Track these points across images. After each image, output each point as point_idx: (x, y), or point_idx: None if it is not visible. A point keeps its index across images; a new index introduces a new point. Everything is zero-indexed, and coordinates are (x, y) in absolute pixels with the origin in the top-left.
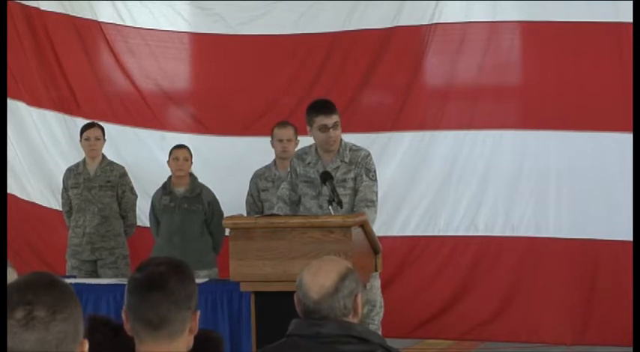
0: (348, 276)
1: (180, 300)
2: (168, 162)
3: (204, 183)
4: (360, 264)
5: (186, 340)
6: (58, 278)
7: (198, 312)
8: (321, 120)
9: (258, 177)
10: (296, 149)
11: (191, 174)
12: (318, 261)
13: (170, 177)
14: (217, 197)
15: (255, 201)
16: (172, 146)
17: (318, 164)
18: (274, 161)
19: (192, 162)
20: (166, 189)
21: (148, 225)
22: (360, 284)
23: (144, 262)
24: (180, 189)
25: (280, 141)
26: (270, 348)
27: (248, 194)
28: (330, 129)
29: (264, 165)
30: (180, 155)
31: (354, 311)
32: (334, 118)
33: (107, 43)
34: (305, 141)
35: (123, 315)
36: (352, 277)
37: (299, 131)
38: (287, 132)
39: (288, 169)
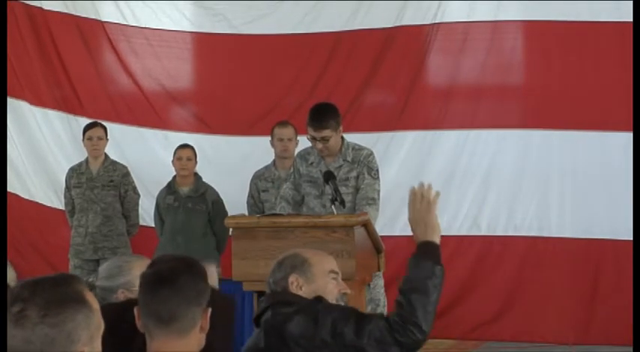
0: (282, 262)
1: (190, 296)
2: (172, 161)
3: (207, 182)
4: (362, 263)
5: (197, 338)
6: (70, 280)
7: (210, 310)
8: (311, 131)
9: (257, 177)
10: (296, 148)
11: (196, 174)
12: None
13: (175, 177)
14: (221, 196)
15: (256, 202)
16: (176, 145)
17: (321, 164)
18: (274, 161)
19: (196, 162)
20: (171, 188)
21: (151, 225)
22: (296, 269)
23: (156, 259)
24: (184, 189)
25: (280, 140)
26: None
27: (248, 195)
28: (317, 142)
29: (266, 165)
30: (183, 155)
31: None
32: (323, 133)
33: (110, 42)
34: (306, 140)
35: (135, 311)
36: (287, 262)
37: (301, 130)
38: (287, 132)
39: (291, 170)
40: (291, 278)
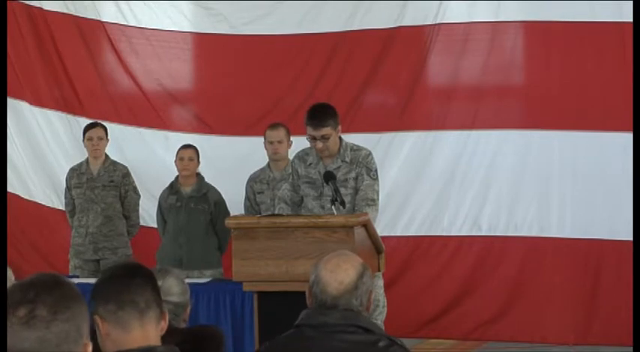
0: (365, 274)
1: (157, 287)
2: (175, 161)
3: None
4: None
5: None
6: (63, 278)
7: (166, 313)
8: (310, 131)
9: (253, 180)
10: (289, 150)
11: (198, 174)
12: (334, 256)
13: (177, 177)
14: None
15: (252, 204)
16: (176, 146)
17: (319, 165)
18: (268, 163)
19: (198, 162)
20: (173, 188)
21: (152, 225)
22: (372, 280)
23: (104, 269)
24: (186, 189)
25: (271, 142)
26: (280, 338)
27: (245, 198)
28: (317, 141)
29: (261, 167)
30: (185, 155)
31: (367, 306)
32: (323, 131)
33: (110, 42)
34: (304, 140)
35: (97, 320)
36: (368, 273)
37: (300, 131)
38: (277, 134)
39: (289, 171)
40: (372, 294)
